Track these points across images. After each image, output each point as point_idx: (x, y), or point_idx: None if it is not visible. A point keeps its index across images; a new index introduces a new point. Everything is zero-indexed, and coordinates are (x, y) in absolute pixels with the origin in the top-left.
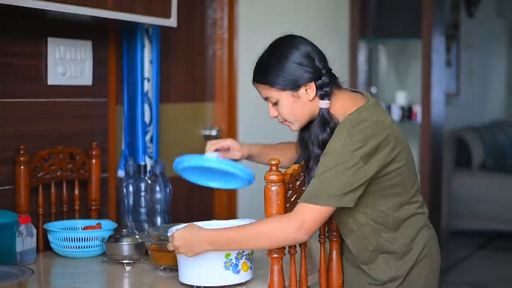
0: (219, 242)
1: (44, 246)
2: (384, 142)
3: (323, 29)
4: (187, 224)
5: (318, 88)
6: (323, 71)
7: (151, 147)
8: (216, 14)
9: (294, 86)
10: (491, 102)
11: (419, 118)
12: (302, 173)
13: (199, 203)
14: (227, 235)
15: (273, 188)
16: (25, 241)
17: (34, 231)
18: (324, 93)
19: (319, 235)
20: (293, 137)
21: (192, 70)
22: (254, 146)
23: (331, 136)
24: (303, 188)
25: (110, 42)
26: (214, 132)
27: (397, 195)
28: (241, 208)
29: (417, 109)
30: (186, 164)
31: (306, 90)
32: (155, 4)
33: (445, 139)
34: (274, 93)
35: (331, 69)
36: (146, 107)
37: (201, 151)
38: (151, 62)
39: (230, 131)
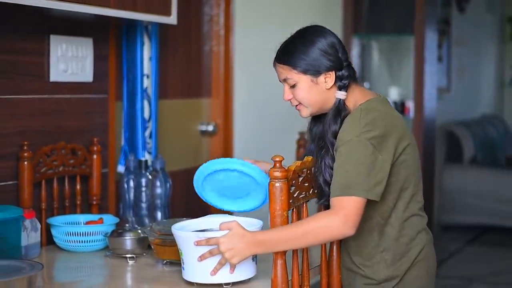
0: (267, 243)
1: (47, 240)
2: (394, 131)
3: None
4: (226, 227)
5: (337, 79)
6: (345, 64)
7: (150, 143)
8: (212, 10)
9: (315, 71)
10: (481, 97)
11: (411, 113)
12: (305, 169)
13: (196, 198)
14: (274, 236)
15: (277, 185)
16: (30, 236)
17: (39, 225)
18: (342, 85)
19: None
20: (288, 133)
21: (189, 66)
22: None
23: (341, 126)
24: (306, 184)
25: (111, 40)
26: (210, 128)
27: (404, 191)
28: None
29: (410, 105)
30: (214, 168)
31: (325, 78)
32: (156, 2)
33: (436, 134)
34: (294, 75)
35: (352, 64)
36: (146, 103)
37: (198, 146)
38: (150, 59)
39: (226, 127)
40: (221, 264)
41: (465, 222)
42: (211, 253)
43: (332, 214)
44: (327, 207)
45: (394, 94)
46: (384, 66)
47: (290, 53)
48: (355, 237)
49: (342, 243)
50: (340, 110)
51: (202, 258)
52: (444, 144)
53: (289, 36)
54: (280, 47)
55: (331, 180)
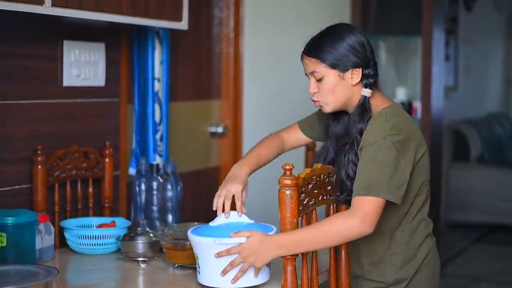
0: (288, 245)
1: (60, 242)
2: (414, 138)
3: (325, 26)
4: (246, 233)
5: (364, 76)
6: (371, 63)
7: (161, 146)
8: (222, 13)
9: (343, 67)
10: (488, 96)
11: (419, 113)
12: (314, 176)
13: (205, 200)
14: (295, 238)
15: (287, 192)
16: (44, 239)
17: (52, 229)
18: (368, 83)
19: None
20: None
21: (198, 69)
22: (248, 165)
23: (366, 126)
24: (315, 191)
25: (122, 44)
26: (220, 129)
27: (417, 197)
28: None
29: (417, 105)
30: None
31: (352, 74)
32: (168, 8)
33: (443, 132)
34: (322, 69)
35: (377, 66)
36: (157, 106)
37: (207, 148)
38: (161, 63)
39: (236, 128)
40: (242, 271)
41: (471, 221)
42: (232, 265)
43: (350, 214)
44: (348, 201)
45: (401, 94)
46: (391, 67)
47: (320, 46)
48: (366, 240)
49: (350, 248)
50: (365, 108)
51: (224, 272)
52: (451, 143)
53: (312, 34)
54: (309, 41)
55: (353, 175)
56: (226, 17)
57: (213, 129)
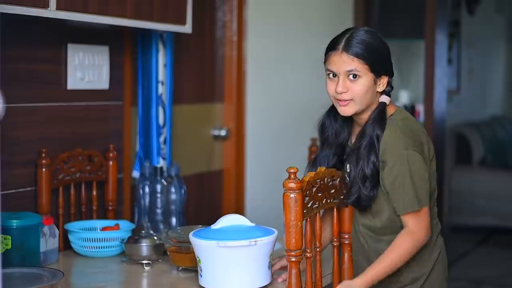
0: (375, 280)
1: (64, 245)
2: (425, 140)
3: (328, 30)
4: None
5: (388, 84)
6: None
7: (164, 149)
8: (225, 16)
9: (379, 71)
10: (491, 98)
11: (422, 117)
12: (319, 180)
13: (208, 203)
14: (379, 273)
15: (292, 195)
16: (48, 242)
17: (57, 232)
18: (388, 91)
19: (332, 238)
20: (301, 138)
21: (202, 72)
22: None
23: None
24: (319, 194)
25: (126, 47)
26: (223, 132)
27: (431, 197)
28: (249, 208)
29: (420, 108)
30: None
31: (381, 80)
32: (171, 12)
33: (446, 136)
34: (363, 69)
35: None
36: (160, 109)
37: (210, 151)
38: (165, 66)
39: (239, 131)
40: None
41: (474, 224)
42: None
43: (414, 231)
44: (356, 204)
45: (404, 97)
46: (394, 70)
47: (365, 46)
48: (388, 243)
49: (362, 252)
50: (384, 115)
51: None
52: (453, 146)
53: (356, 30)
54: (348, 37)
55: (371, 176)
56: (229, 20)
57: (216, 132)
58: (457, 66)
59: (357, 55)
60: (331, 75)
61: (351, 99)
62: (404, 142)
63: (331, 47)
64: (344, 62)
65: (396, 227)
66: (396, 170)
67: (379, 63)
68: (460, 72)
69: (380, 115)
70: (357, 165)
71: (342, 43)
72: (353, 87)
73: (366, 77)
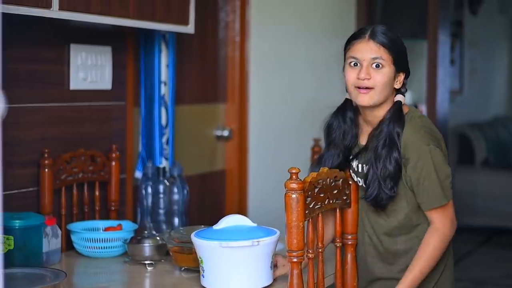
0: (416, 284)
1: (67, 246)
2: (441, 136)
3: (331, 30)
4: None
5: (403, 85)
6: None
7: (167, 149)
8: (228, 17)
9: (399, 66)
10: (493, 99)
11: None
12: (321, 180)
13: (210, 203)
14: (416, 278)
15: (294, 196)
16: (51, 242)
17: (59, 232)
18: (402, 92)
19: (334, 239)
20: (304, 139)
21: (204, 72)
22: None
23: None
24: (321, 195)
25: (129, 48)
26: (226, 133)
27: None
28: (252, 208)
29: (422, 108)
30: None
31: (399, 77)
32: (174, 12)
33: (448, 136)
34: (387, 59)
35: None
36: (163, 110)
37: (213, 151)
38: (167, 66)
39: (241, 132)
40: None
41: (476, 224)
42: None
43: (442, 226)
44: (375, 201)
45: (407, 97)
46: None
47: (391, 38)
48: (405, 240)
49: (375, 253)
50: (402, 112)
51: None
52: (456, 146)
53: (380, 26)
54: (373, 29)
55: (393, 172)
56: (232, 20)
57: (219, 133)
58: (460, 67)
59: (383, 44)
60: (352, 64)
61: (372, 88)
62: (426, 138)
63: (356, 36)
64: (371, 49)
65: (411, 226)
66: (420, 166)
67: (400, 57)
68: (463, 72)
69: (398, 113)
70: (376, 164)
71: (368, 32)
72: (375, 76)
73: (388, 68)
